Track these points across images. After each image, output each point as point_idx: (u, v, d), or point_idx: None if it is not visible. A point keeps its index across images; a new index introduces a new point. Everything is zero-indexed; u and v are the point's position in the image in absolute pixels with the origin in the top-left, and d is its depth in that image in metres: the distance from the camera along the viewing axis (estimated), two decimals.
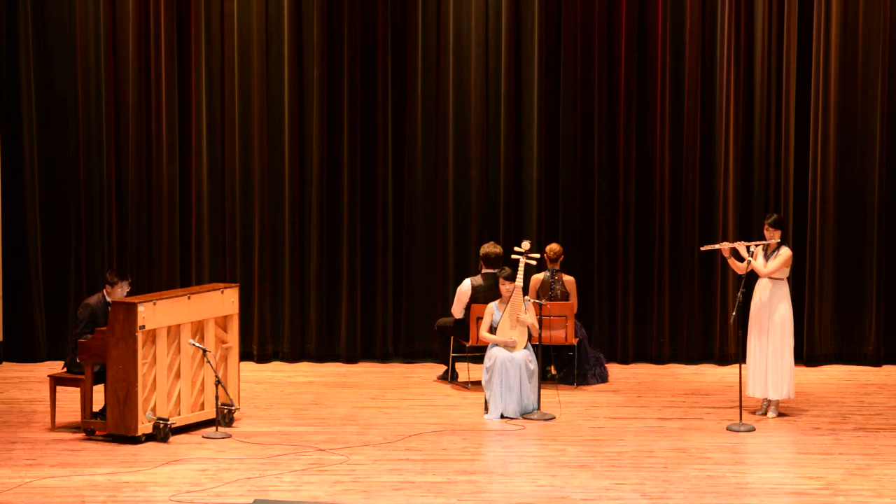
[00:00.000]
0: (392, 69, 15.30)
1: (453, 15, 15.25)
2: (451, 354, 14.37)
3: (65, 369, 12.55)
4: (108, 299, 12.42)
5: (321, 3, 15.18)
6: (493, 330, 13.12)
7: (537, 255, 13.57)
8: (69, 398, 12.81)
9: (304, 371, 15.06)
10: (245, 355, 14.67)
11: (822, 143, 15.13)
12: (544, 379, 13.76)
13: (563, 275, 14.38)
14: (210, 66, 15.32)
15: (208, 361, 12.30)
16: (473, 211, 15.40)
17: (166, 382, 12.09)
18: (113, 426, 11.90)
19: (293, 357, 15.43)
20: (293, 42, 15.22)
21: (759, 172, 15.27)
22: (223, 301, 12.66)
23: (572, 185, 15.34)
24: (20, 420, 12.76)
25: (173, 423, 12.07)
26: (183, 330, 12.22)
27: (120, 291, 12.43)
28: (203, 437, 12.11)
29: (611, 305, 15.40)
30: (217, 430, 12.21)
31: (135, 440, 11.83)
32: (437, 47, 15.29)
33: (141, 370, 11.82)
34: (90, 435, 12.08)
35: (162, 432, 11.92)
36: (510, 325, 13.06)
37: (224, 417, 12.39)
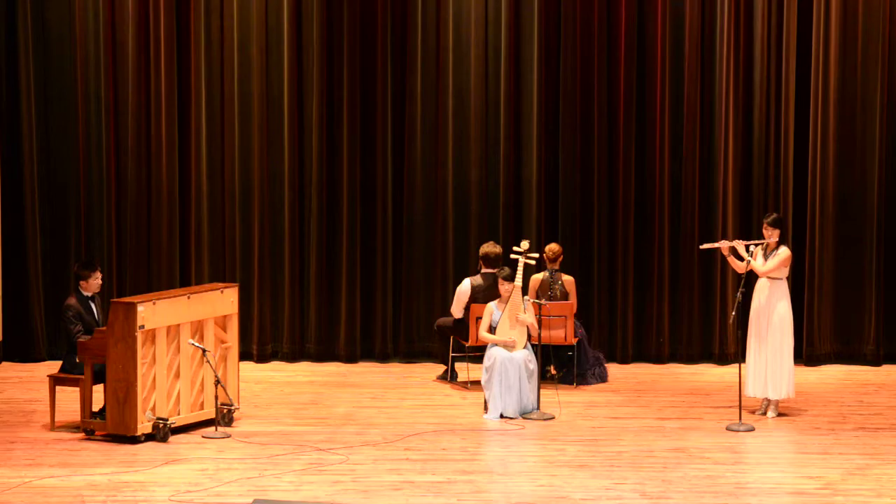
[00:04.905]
0: (392, 69, 15.29)
1: (453, 15, 15.24)
2: (451, 354, 14.37)
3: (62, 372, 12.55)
4: (85, 293, 12.45)
5: (321, 3, 15.17)
6: (492, 330, 13.12)
7: (536, 255, 13.56)
8: (68, 398, 12.80)
9: (304, 371, 15.06)
10: (244, 355, 14.65)
11: (821, 142, 15.12)
12: (544, 379, 13.75)
13: (562, 275, 14.38)
14: (210, 65, 15.31)
15: (208, 361, 12.30)
16: (473, 211, 15.39)
17: (166, 382, 12.09)
18: (112, 426, 11.90)
19: (292, 357, 15.42)
20: (293, 41, 15.20)
21: (759, 172, 15.27)
22: (223, 301, 12.65)
23: (572, 184, 15.33)
24: (20, 420, 12.76)
25: (173, 423, 12.07)
26: (182, 330, 12.22)
27: (94, 282, 12.47)
28: (203, 436, 12.10)
29: (610, 305, 15.39)
30: (216, 429, 12.20)
31: (134, 440, 11.83)
32: (436, 47, 15.28)
33: (140, 370, 11.81)
34: (90, 435, 12.08)
35: (161, 432, 11.91)
36: (509, 325, 13.06)
37: (224, 417, 12.39)
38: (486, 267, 14.10)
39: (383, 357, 15.48)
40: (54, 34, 15.32)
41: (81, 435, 12.11)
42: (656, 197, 15.27)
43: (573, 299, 14.31)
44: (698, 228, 15.27)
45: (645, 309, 15.37)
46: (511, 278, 13.12)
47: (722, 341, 15.33)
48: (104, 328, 12.00)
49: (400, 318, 15.49)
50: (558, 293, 14.24)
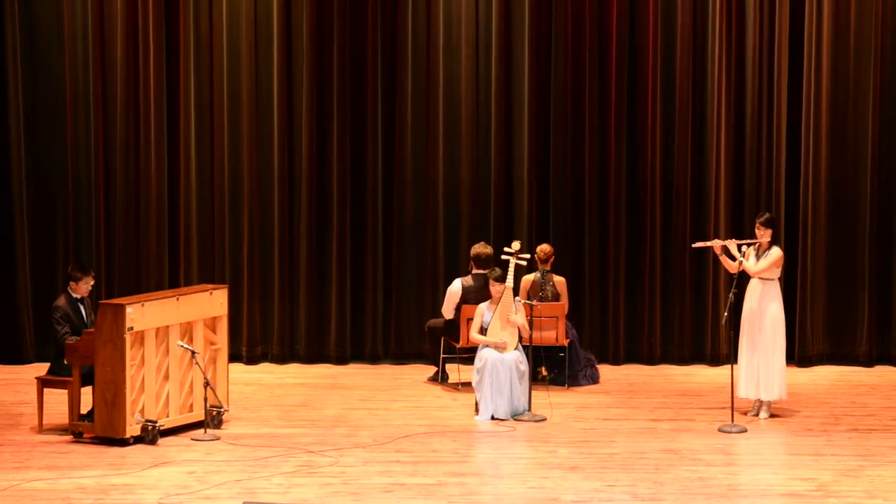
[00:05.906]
0: (382, 68, 15.25)
1: (443, 13, 15.21)
2: (442, 356, 14.33)
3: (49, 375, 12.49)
4: (75, 295, 12.43)
5: (310, 2, 15.13)
6: (483, 331, 13.08)
7: (527, 256, 13.51)
8: (56, 400, 12.74)
9: (294, 372, 15.01)
10: (234, 357, 14.61)
11: (813, 142, 15.11)
12: (535, 380, 13.71)
13: (553, 275, 14.34)
14: (199, 64, 15.26)
15: (197, 363, 12.24)
16: (464, 211, 15.36)
17: (154, 384, 12.03)
18: (101, 428, 11.85)
19: (282, 358, 15.38)
20: (282, 40, 15.16)
21: (751, 172, 15.24)
22: (212, 302, 12.61)
23: (563, 185, 15.30)
24: (7, 422, 12.71)
25: (161, 425, 12.01)
26: (171, 331, 12.17)
27: (84, 286, 12.45)
28: (191, 439, 12.06)
29: (602, 306, 15.35)
30: (206, 432, 12.15)
31: (123, 442, 11.78)
32: (426, 46, 15.25)
33: (129, 372, 11.76)
34: (78, 437, 12.03)
35: (150, 434, 11.86)
36: (500, 326, 13.01)
37: (213, 419, 12.34)
38: (478, 268, 14.06)
39: (374, 359, 15.43)
40: (42, 33, 15.26)
41: (69, 437, 12.06)
42: (648, 197, 15.24)
43: (564, 300, 14.27)
44: (690, 229, 15.24)
45: (637, 310, 15.34)
46: (502, 279, 13.07)
47: (714, 342, 15.30)
48: (92, 330, 11.94)
49: (390, 320, 15.46)
50: (549, 294, 14.20)
